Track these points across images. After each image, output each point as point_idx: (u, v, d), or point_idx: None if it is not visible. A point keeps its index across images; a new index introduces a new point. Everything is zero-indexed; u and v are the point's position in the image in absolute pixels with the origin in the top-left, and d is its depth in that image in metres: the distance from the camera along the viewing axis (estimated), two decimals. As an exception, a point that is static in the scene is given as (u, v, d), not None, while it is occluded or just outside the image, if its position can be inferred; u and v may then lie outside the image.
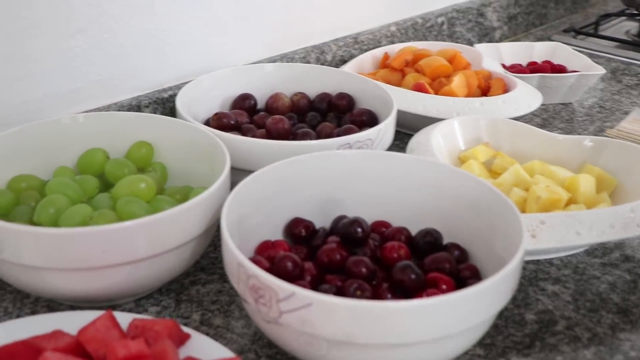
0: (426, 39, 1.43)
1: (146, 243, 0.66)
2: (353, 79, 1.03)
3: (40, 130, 0.81)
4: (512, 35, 1.70)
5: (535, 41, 1.61)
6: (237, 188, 0.69)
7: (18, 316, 0.71)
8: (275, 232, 0.75)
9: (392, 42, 1.35)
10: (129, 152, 0.84)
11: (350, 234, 0.71)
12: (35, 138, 0.81)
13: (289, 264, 0.66)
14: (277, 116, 0.93)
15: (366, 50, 1.29)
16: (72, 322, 0.62)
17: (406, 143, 0.92)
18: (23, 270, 0.66)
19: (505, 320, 0.72)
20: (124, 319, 0.64)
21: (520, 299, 0.75)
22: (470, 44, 1.53)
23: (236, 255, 0.60)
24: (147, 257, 0.67)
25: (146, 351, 0.55)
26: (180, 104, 0.90)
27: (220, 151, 0.77)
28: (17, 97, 0.85)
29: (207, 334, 0.69)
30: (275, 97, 1.01)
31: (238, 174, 0.76)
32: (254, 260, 0.67)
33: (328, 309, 0.55)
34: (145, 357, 0.55)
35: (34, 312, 0.72)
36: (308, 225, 0.75)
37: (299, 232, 0.74)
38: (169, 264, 0.70)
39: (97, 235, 0.63)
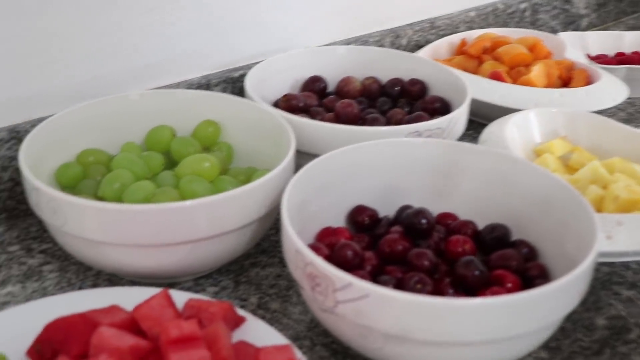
0: (507, 26, 1.38)
1: (207, 223, 0.65)
2: (427, 64, 1.00)
3: (109, 105, 0.82)
4: (601, 23, 1.62)
5: (626, 30, 1.53)
6: (300, 172, 0.67)
7: (80, 288, 0.72)
8: (337, 219, 0.73)
9: (471, 28, 1.30)
10: (196, 130, 0.84)
11: (414, 224, 0.69)
12: (104, 113, 0.81)
13: (349, 253, 0.64)
14: (347, 100, 0.91)
15: (443, 36, 1.25)
16: (130, 298, 0.62)
17: (480, 133, 0.89)
18: (85, 243, 0.67)
19: (573, 324, 0.69)
20: (180, 297, 0.64)
21: (591, 302, 0.72)
22: (554, 32, 1.47)
23: (294, 242, 0.58)
24: (207, 237, 0.66)
25: (198, 333, 0.54)
26: (249, 84, 0.89)
27: (286, 133, 0.76)
28: (88, 72, 0.86)
29: (263, 318, 0.68)
30: (346, 81, 0.99)
31: (303, 157, 0.74)
32: (313, 247, 0.66)
33: (385, 302, 0.53)
34: (197, 339, 0.54)
35: (95, 285, 0.72)
36: (372, 213, 0.73)
37: (362, 220, 0.73)
38: (229, 245, 0.69)
39: (158, 213, 0.63)
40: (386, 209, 0.74)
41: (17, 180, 0.82)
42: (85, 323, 0.58)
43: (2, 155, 0.80)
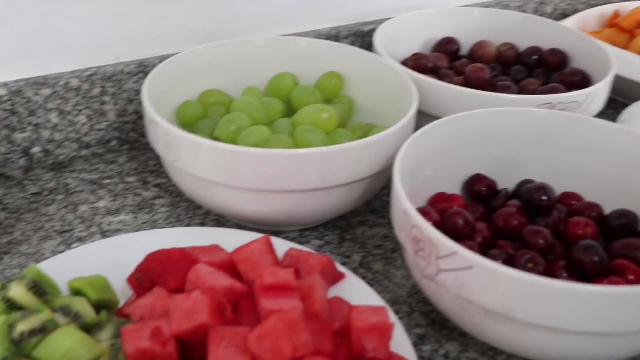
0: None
1: (317, 174, 0.64)
2: (570, 34, 0.93)
3: (235, 48, 0.81)
4: None
5: None
6: (418, 132, 0.64)
7: (187, 224, 0.73)
8: (452, 186, 0.70)
9: None
10: (319, 81, 0.82)
11: (533, 200, 0.64)
12: (229, 56, 0.81)
13: (460, 221, 0.61)
14: (479, 64, 0.86)
15: (593, 6, 1.17)
16: (233, 240, 0.62)
17: (620, 114, 0.83)
18: (196, 181, 0.67)
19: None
20: (281, 246, 0.63)
21: None
22: None
23: (403, 202, 0.56)
24: (316, 188, 0.65)
25: (293, 283, 0.53)
26: (378, 39, 0.86)
27: (410, 92, 0.73)
28: (217, 15, 0.86)
29: (364, 278, 0.66)
30: (480, 45, 0.94)
31: (425, 118, 0.71)
32: (422, 210, 0.63)
33: (490, 276, 0.50)
34: (291, 288, 0.53)
35: (202, 224, 0.73)
36: (490, 183, 0.69)
37: (479, 189, 0.69)
38: (338, 199, 0.68)
39: (267, 158, 0.62)
40: (505, 182, 0.70)
41: (141, 114, 0.84)
42: (185, 258, 0.58)
43: (128, 87, 0.82)
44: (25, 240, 0.70)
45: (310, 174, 0.64)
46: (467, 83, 0.85)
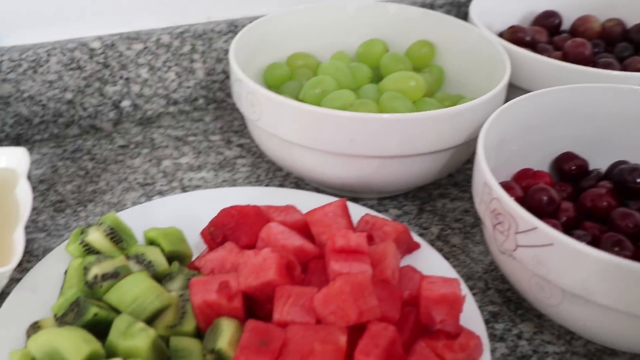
0: None
1: (398, 141, 0.62)
2: (685, 12, 0.87)
3: (326, 12, 0.80)
4: None
5: None
6: (506, 105, 0.62)
7: (267, 185, 0.73)
8: (540, 163, 0.67)
9: None
10: (410, 49, 0.80)
11: (626, 182, 0.61)
12: (320, 19, 0.80)
13: (544, 198, 0.58)
14: (580, 39, 0.82)
15: None
16: (309, 203, 0.62)
17: None
18: (277, 142, 0.67)
19: None
20: (358, 212, 0.62)
21: None
22: None
23: (484, 173, 0.54)
24: (397, 155, 0.63)
25: (364, 247, 0.52)
26: (475, 10, 0.83)
27: (502, 64, 0.70)
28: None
29: (440, 251, 0.64)
30: (584, 20, 0.89)
31: (518, 93, 0.68)
32: (506, 185, 0.60)
33: (570, 255, 0.47)
34: (362, 253, 0.52)
35: (281, 186, 0.73)
36: (581, 163, 0.66)
37: (569, 168, 0.66)
38: (419, 169, 0.66)
39: (349, 121, 0.61)
40: (598, 163, 0.66)
41: (228, 74, 0.84)
42: (259, 216, 0.58)
43: (218, 47, 0.82)
44: (109, 190, 0.72)
45: (391, 141, 0.62)
46: (566, 59, 0.80)
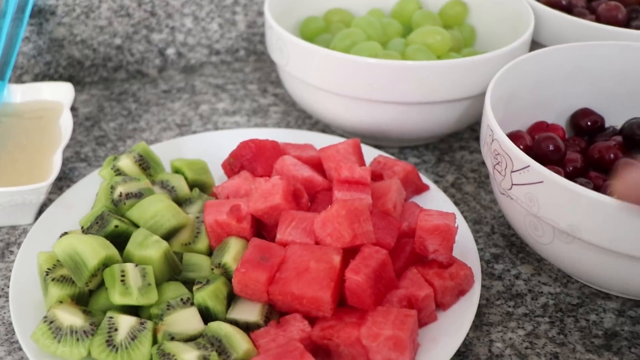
0: None
1: (414, 88, 0.65)
2: None
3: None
4: None
5: None
6: (521, 57, 0.64)
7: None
8: (556, 117, 0.68)
9: None
10: (443, 8, 0.82)
11: (635, 135, 0.62)
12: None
13: (550, 146, 0.60)
14: (613, 2, 0.82)
15: None
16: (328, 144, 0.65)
17: None
18: (303, 87, 0.70)
19: None
20: (372, 154, 0.65)
21: None
22: None
23: (488, 116, 0.56)
24: (414, 102, 0.66)
25: (367, 180, 0.55)
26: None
27: (527, 20, 0.71)
28: None
29: (452, 197, 0.67)
30: (624, -14, 0.89)
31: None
32: (516, 134, 0.62)
33: (558, 192, 0.49)
34: (365, 184, 0.55)
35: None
36: (597, 119, 0.67)
37: (584, 123, 0.67)
38: (436, 118, 0.68)
39: (365, 66, 0.64)
40: (614, 120, 0.67)
41: (269, 27, 0.88)
42: (275, 149, 0.62)
43: (259, 0, 0.86)
44: (148, 129, 0.77)
45: (408, 87, 0.65)
46: (599, 22, 0.81)
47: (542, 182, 0.50)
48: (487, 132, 0.57)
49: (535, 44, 0.73)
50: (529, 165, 0.51)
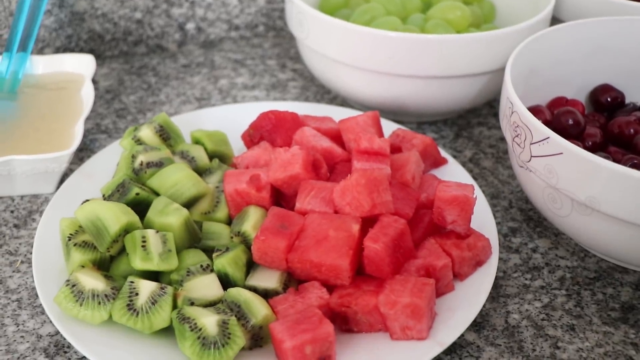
0: None
1: (433, 61, 0.65)
2: None
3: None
4: None
5: None
6: (539, 33, 0.63)
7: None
8: (576, 93, 0.68)
9: None
10: (463, -16, 0.82)
11: (655, 110, 0.62)
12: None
13: (569, 120, 0.60)
14: (636, -20, 0.82)
15: None
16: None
17: None
18: (323, 60, 0.70)
19: None
20: (391, 127, 0.65)
21: None
22: None
23: (508, 89, 0.56)
24: (433, 76, 0.66)
25: (386, 151, 0.55)
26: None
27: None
28: None
29: (471, 172, 0.67)
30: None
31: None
32: (535, 108, 0.62)
33: (577, 163, 0.49)
34: (384, 155, 0.55)
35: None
36: (617, 95, 0.67)
37: (605, 99, 0.67)
38: (454, 92, 0.68)
39: (385, 39, 0.64)
40: (635, 97, 0.67)
41: (289, 3, 0.88)
42: (295, 121, 0.62)
43: (280, -25, 0.86)
44: (168, 102, 0.77)
45: (428, 61, 0.65)
46: (620, -1, 0.81)
47: (561, 153, 0.50)
48: (506, 105, 0.57)
49: (555, 20, 0.73)
50: (548, 137, 0.51)
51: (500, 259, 0.58)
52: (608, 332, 0.52)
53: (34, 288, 0.55)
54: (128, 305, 0.49)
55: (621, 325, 0.53)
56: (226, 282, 0.52)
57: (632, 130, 0.61)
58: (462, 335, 0.51)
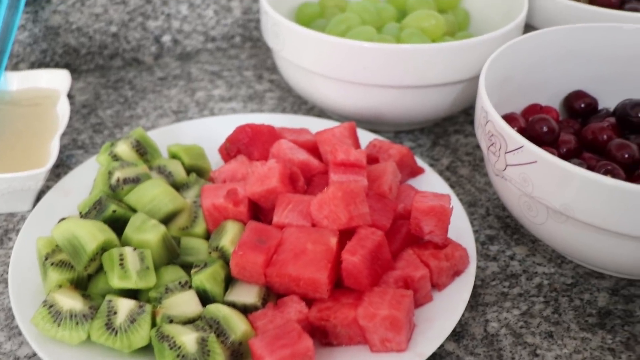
0: None
1: (408, 71, 0.65)
2: None
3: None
4: None
5: None
6: (515, 40, 0.64)
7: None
8: (549, 100, 0.69)
9: None
10: (438, -8, 0.82)
11: (627, 116, 0.63)
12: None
13: (543, 128, 0.61)
14: (607, -14, 0.83)
15: None
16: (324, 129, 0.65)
17: None
18: (298, 71, 0.70)
19: None
20: (368, 138, 0.66)
21: None
22: None
23: (482, 98, 0.57)
24: (408, 85, 0.66)
25: (363, 162, 0.56)
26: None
27: (520, 4, 0.72)
28: None
29: (448, 180, 0.67)
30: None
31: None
32: (510, 116, 0.63)
33: (551, 171, 0.50)
34: (360, 167, 0.56)
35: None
36: (590, 101, 0.67)
37: (578, 105, 0.67)
38: (430, 101, 0.69)
39: (359, 50, 0.65)
40: (608, 103, 0.68)
41: (264, 13, 0.88)
42: (271, 134, 0.62)
43: (255, -14, 0.86)
44: (145, 115, 0.77)
45: (403, 70, 0.65)
46: (592, 4, 0.81)
47: (535, 162, 0.51)
48: (481, 114, 0.57)
49: (528, 27, 0.74)
50: (522, 146, 0.51)
51: (478, 267, 0.58)
52: (586, 338, 0.52)
53: (10, 309, 0.54)
54: (107, 324, 0.48)
55: (598, 330, 0.53)
56: (205, 298, 0.51)
57: (605, 137, 0.61)
58: (442, 345, 0.52)
